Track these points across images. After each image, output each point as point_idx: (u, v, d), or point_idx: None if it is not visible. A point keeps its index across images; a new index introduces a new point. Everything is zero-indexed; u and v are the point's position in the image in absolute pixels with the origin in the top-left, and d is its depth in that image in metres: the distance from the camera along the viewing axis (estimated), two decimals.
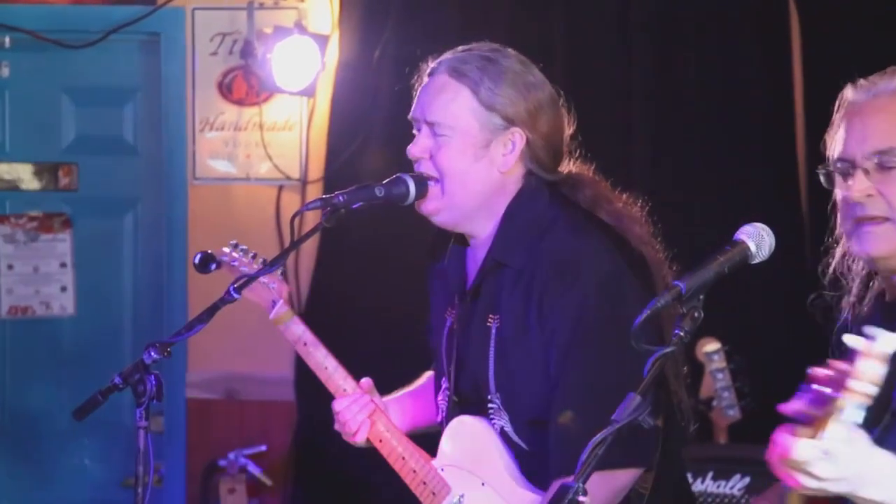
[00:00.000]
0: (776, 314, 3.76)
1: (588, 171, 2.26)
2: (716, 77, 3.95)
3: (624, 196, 2.22)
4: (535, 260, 2.09)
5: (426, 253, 2.37)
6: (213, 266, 2.36)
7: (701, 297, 1.54)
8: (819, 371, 1.29)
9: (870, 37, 3.70)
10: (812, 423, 1.24)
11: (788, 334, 3.67)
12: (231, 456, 4.09)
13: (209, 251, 2.38)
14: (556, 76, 2.35)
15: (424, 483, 2.23)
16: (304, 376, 3.59)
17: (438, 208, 2.11)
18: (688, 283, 1.54)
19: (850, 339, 1.23)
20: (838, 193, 1.69)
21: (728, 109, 3.99)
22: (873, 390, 1.20)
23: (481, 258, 2.15)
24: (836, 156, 1.68)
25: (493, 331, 2.11)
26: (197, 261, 2.34)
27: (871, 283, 1.77)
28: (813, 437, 1.21)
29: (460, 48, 2.16)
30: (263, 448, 4.15)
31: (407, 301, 2.83)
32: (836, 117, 1.71)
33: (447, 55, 2.15)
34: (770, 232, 1.64)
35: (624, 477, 1.98)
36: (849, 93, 1.73)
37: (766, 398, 3.34)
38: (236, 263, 2.46)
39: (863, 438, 1.26)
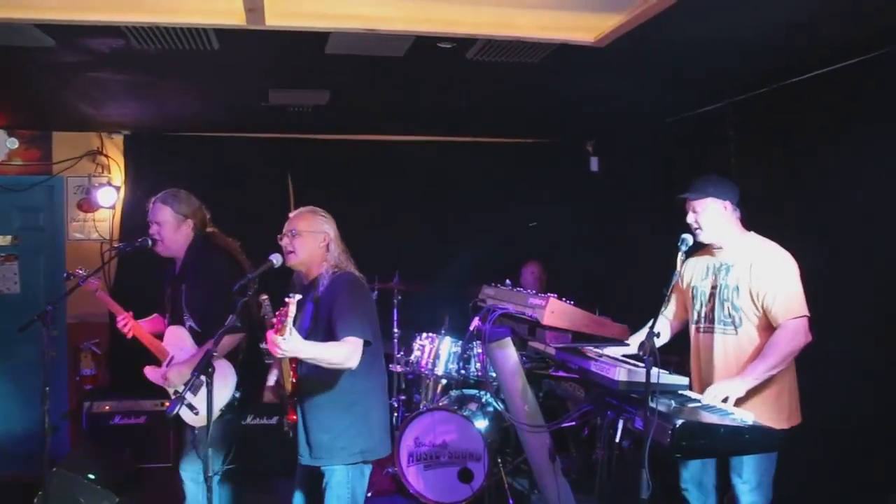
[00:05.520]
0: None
1: (216, 229, 4.50)
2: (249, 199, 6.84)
3: (229, 238, 4.46)
4: (198, 261, 4.29)
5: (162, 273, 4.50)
6: None
7: (256, 282, 3.52)
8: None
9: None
10: (280, 329, 3.16)
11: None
12: None
13: None
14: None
15: (161, 350, 4.39)
16: None
17: (162, 251, 4.39)
18: (251, 276, 3.52)
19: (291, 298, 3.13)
20: None
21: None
22: (292, 318, 3.15)
23: (180, 263, 4.40)
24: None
25: (183, 288, 4.33)
26: None
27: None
28: (282, 335, 3.16)
29: (167, 191, 4.41)
30: None
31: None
32: None
33: (160, 194, 4.40)
34: (279, 256, 3.70)
35: (237, 338, 4.20)
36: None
37: None
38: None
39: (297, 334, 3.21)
